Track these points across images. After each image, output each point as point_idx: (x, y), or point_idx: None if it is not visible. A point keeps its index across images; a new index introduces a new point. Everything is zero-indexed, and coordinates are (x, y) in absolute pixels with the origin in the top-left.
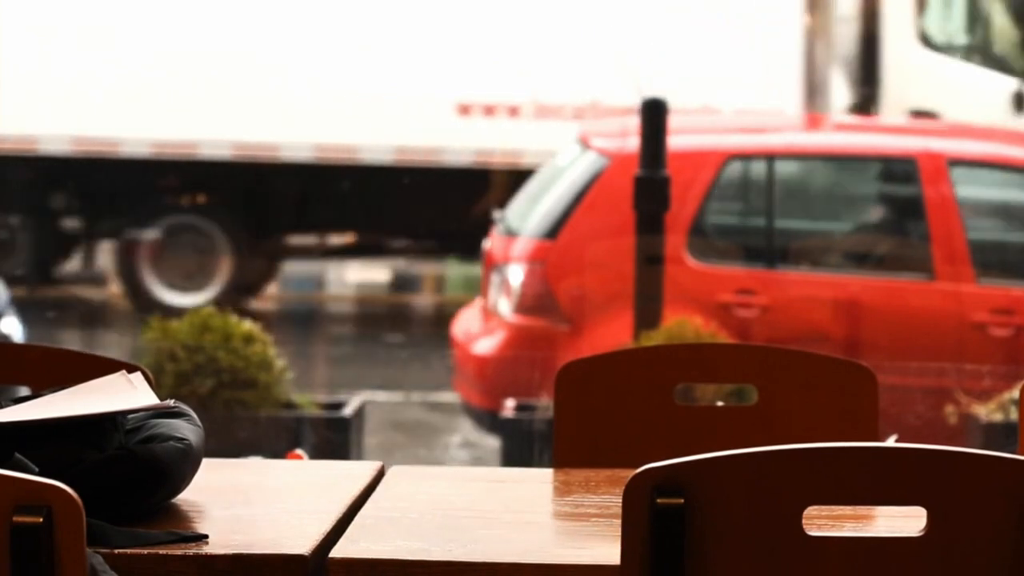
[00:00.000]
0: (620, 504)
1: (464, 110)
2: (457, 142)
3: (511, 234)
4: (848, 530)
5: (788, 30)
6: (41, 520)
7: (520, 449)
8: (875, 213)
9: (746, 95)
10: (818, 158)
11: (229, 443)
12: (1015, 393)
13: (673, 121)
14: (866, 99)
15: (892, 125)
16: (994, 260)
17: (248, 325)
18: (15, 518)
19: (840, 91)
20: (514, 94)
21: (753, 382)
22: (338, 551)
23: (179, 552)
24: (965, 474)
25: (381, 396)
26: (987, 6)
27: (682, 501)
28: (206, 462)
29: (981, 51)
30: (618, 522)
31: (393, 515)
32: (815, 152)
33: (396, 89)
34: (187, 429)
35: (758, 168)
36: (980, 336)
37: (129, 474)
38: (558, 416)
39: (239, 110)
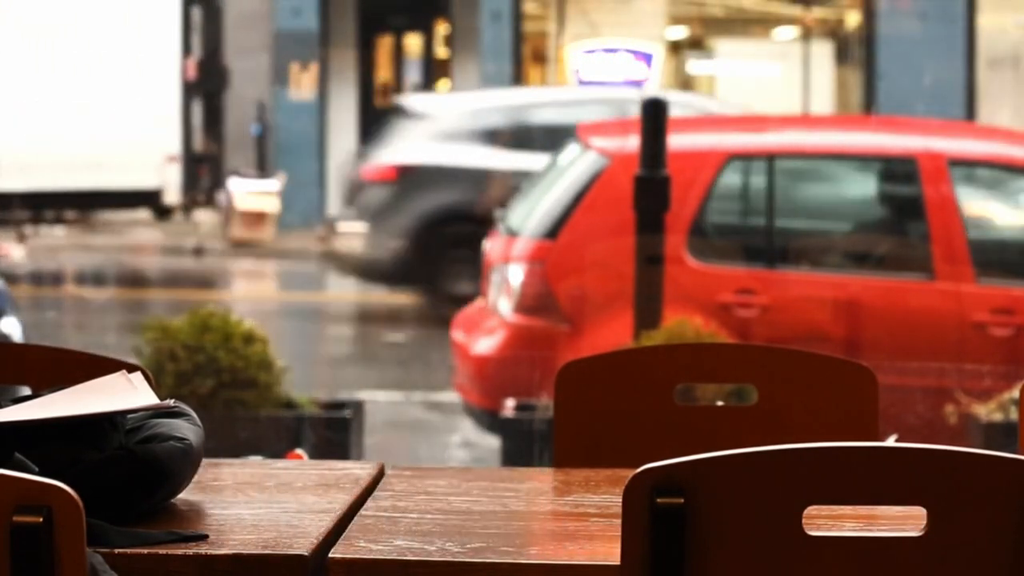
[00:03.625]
0: (620, 504)
1: None
2: None
3: (511, 234)
4: (848, 530)
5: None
6: (41, 520)
7: (520, 449)
8: (875, 213)
9: None
10: (818, 158)
11: (229, 443)
12: (1015, 393)
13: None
14: None
15: (892, 125)
16: (994, 260)
17: (248, 325)
18: (15, 518)
19: None
20: None
21: (753, 382)
22: (338, 551)
23: (179, 552)
24: (965, 474)
25: (381, 396)
26: None
27: (682, 501)
28: (206, 462)
29: None
30: (618, 522)
31: (393, 515)
32: (815, 152)
33: None
34: (187, 429)
35: (758, 168)
36: (980, 336)
37: (129, 474)
38: (558, 416)
39: None
